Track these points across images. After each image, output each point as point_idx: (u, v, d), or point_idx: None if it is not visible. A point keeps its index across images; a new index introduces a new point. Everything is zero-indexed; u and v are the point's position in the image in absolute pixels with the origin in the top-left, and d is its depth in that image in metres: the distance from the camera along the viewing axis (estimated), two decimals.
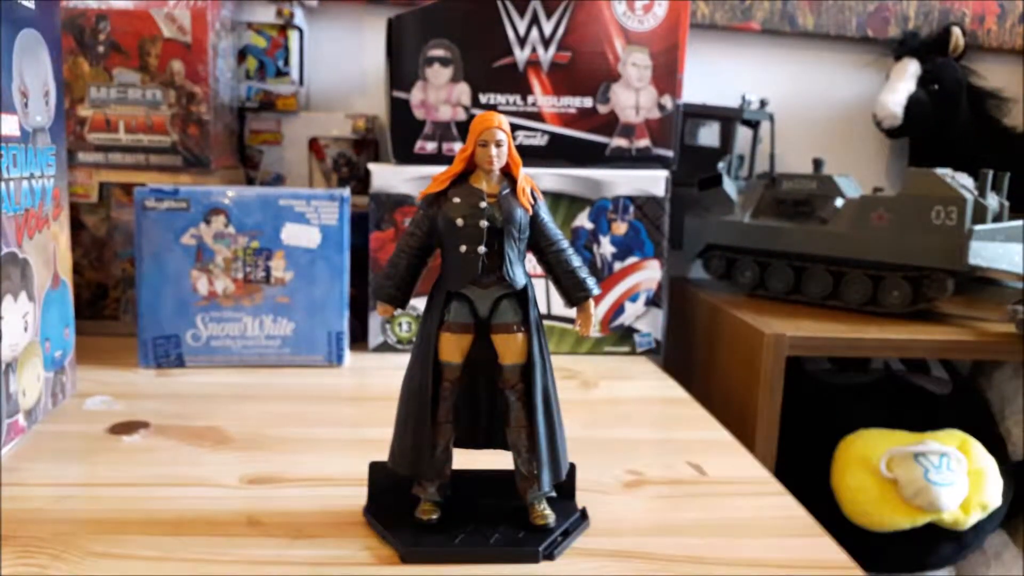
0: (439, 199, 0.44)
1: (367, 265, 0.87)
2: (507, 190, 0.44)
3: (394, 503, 0.47)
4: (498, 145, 0.43)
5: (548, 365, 0.45)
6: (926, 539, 0.83)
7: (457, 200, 0.43)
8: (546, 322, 0.88)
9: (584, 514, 0.48)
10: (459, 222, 0.43)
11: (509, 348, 0.45)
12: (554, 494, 0.47)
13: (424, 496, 0.46)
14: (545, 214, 0.45)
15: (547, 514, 0.46)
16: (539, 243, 0.45)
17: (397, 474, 0.46)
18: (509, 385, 0.45)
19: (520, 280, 0.44)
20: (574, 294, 0.45)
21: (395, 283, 0.45)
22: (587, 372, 0.82)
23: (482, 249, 0.43)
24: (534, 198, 0.45)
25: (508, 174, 0.45)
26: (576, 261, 0.45)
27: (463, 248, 0.43)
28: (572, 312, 0.47)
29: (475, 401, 0.47)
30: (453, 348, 0.44)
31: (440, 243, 0.44)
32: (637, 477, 0.56)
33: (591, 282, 0.45)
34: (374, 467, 0.48)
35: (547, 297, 0.87)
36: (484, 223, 0.43)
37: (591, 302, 0.45)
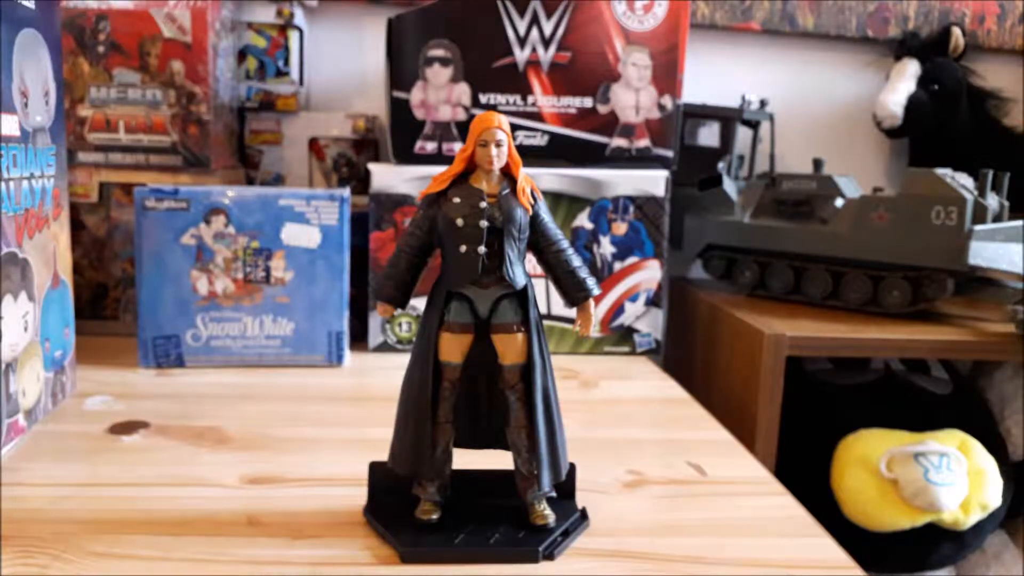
0: (439, 199, 0.44)
1: (367, 265, 0.87)
2: (507, 190, 0.44)
3: (394, 503, 0.47)
4: (498, 145, 0.43)
5: (548, 365, 0.45)
6: (926, 539, 0.83)
7: (457, 200, 0.43)
8: (546, 322, 0.88)
9: (584, 514, 0.48)
10: (459, 222, 0.43)
11: (509, 348, 0.44)
12: (554, 494, 0.47)
13: (424, 496, 0.46)
14: (545, 214, 0.45)
15: (547, 514, 0.46)
16: (539, 243, 0.45)
17: (397, 474, 0.46)
18: (509, 385, 0.45)
19: (520, 280, 0.44)
20: (574, 294, 0.45)
21: (395, 283, 0.45)
22: (587, 372, 0.82)
23: (482, 249, 0.43)
24: (534, 198, 0.45)
25: (508, 174, 0.45)
26: (576, 261, 0.45)
27: (463, 248, 0.43)
28: (572, 312, 0.47)
29: (475, 401, 0.47)
30: (453, 348, 0.44)
31: (440, 243, 0.44)
32: (637, 477, 0.56)
33: (591, 282, 0.45)
34: (374, 467, 0.48)
35: (547, 297, 0.87)
36: (484, 223, 0.43)
37: (591, 302, 0.45)
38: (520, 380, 0.45)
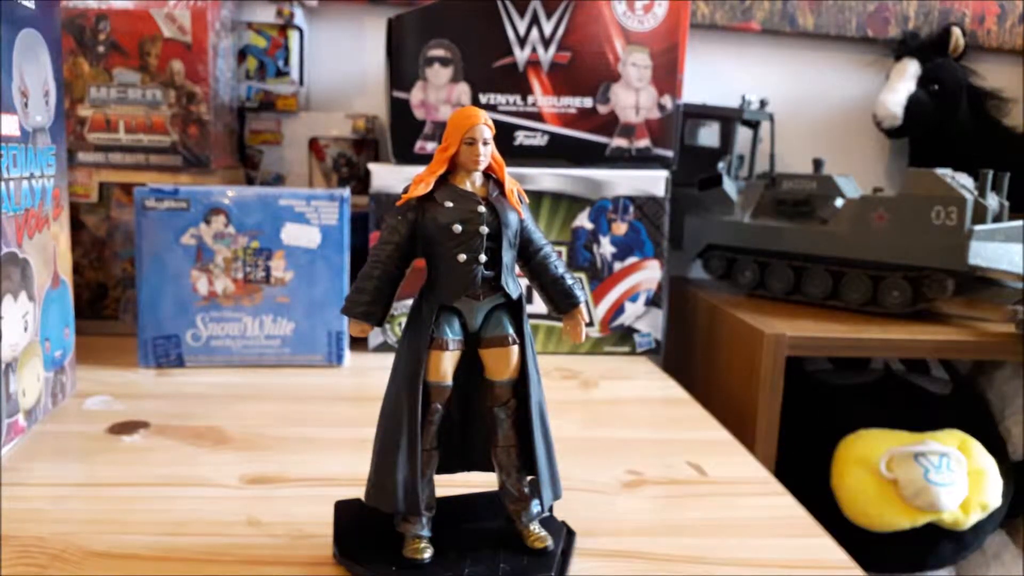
0: (423, 203, 0.40)
1: None
2: (496, 192, 0.41)
3: (370, 543, 0.42)
4: (485, 143, 0.40)
5: (540, 378, 0.42)
6: (926, 539, 0.83)
7: (450, 204, 0.40)
8: (544, 322, 0.88)
9: (570, 529, 0.46)
10: (457, 228, 0.39)
11: (503, 362, 0.41)
12: (551, 514, 0.44)
13: (411, 533, 0.42)
14: (530, 219, 0.42)
15: (544, 536, 0.43)
16: (526, 248, 0.42)
17: (368, 512, 0.42)
18: (501, 402, 0.42)
19: (515, 289, 0.41)
20: (562, 302, 0.43)
21: (372, 298, 0.40)
22: (587, 372, 0.82)
23: (483, 258, 0.40)
24: (520, 201, 0.42)
25: (487, 175, 0.41)
26: (561, 268, 0.43)
27: (462, 257, 0.40)
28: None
29: (447, 422, 0.43)
30: (447, 367, 0.41)
31: (428, 252, 0.41)
32: (637, 477, 0.56)
33: (578, 288, 0.43)
34: (342, 508, 0.44)
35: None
36: (484, 228, 0.40)
37: (580, 308, 0.43)
38: (513, 396, 0.42)
